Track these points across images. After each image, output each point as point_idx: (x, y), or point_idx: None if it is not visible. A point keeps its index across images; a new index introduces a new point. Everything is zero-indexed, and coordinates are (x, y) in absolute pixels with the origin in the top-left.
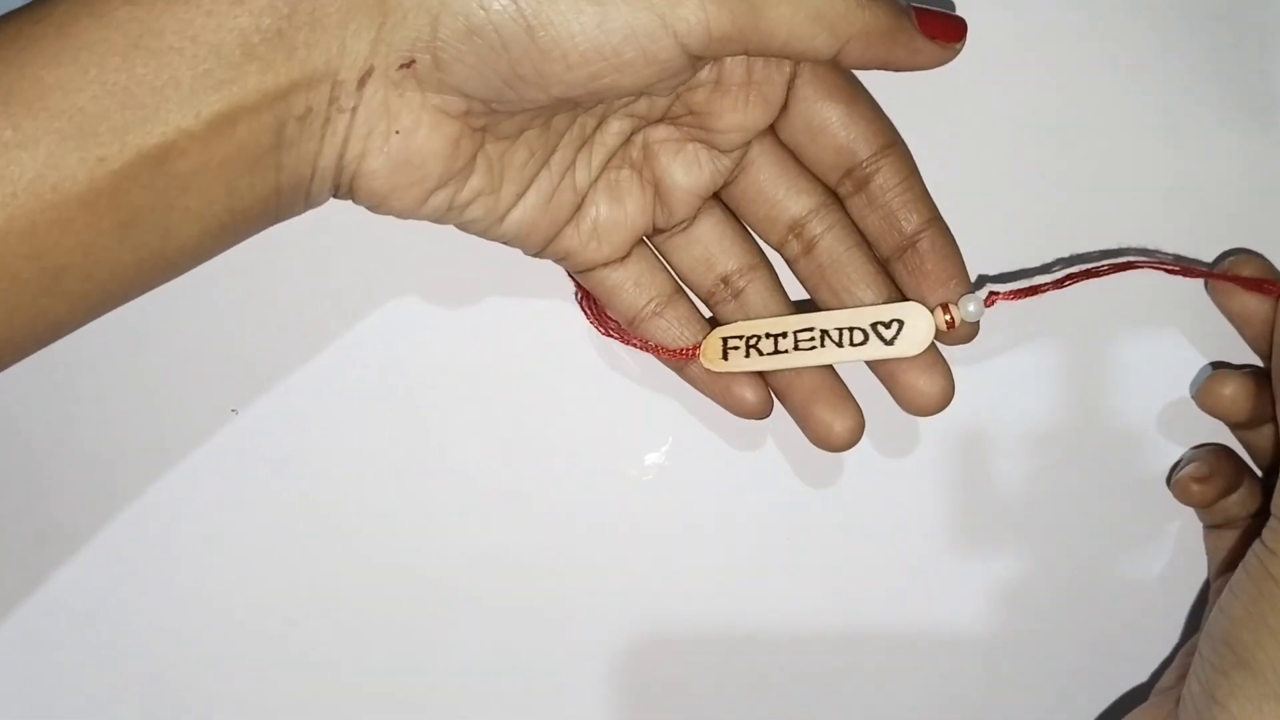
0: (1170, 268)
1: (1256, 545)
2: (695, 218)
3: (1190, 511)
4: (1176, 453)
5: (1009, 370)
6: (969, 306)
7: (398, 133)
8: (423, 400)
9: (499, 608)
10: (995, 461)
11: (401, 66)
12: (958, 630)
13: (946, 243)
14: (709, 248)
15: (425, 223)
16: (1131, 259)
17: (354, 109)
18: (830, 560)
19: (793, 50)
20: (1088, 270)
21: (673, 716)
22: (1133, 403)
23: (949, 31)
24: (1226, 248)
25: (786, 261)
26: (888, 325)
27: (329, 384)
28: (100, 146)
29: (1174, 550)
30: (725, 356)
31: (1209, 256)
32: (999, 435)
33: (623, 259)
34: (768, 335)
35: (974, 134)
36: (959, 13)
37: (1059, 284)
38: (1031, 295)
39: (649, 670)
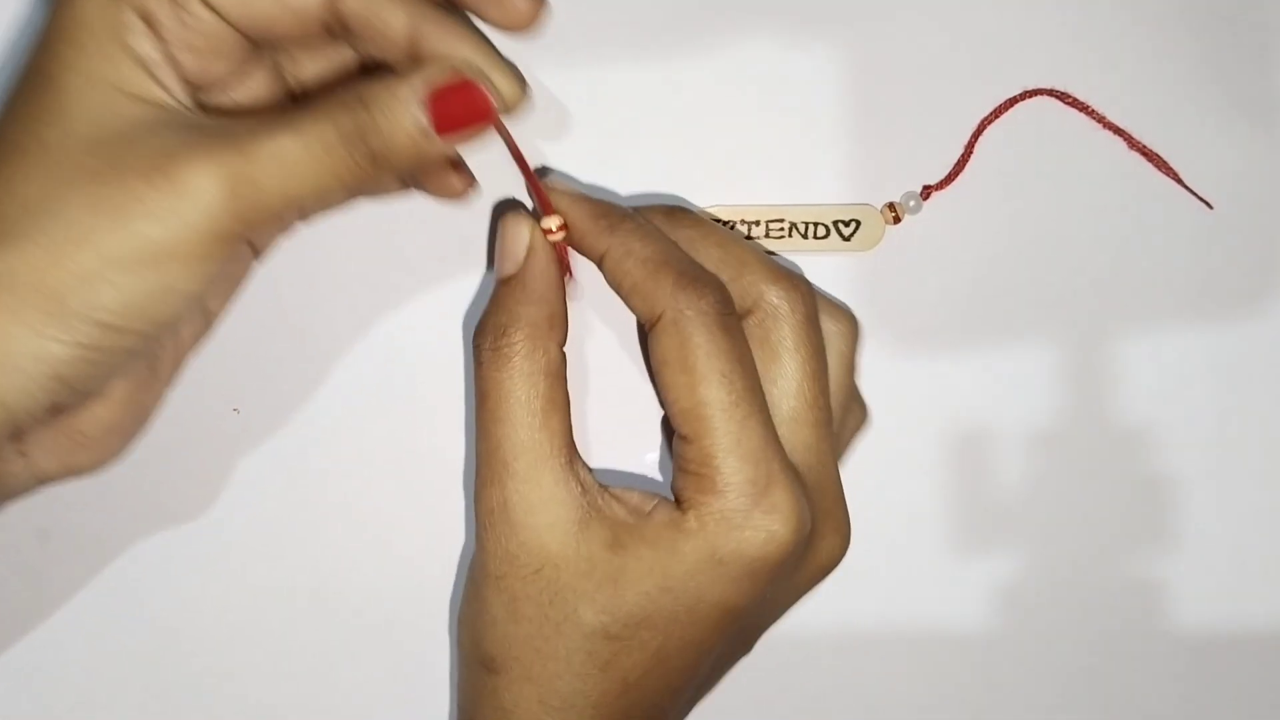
0: (1063, 97)
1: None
2: None
3: (1190, 511)
4: (1176, 453)
5: (1009, 370)
6: (909, 203)
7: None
8: (426, 399)
9: None
10: (995, 461)
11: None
12: (958, 630)
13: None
14: None
15: (431, 225)
16: (1030, 89)
17: (24, 453)
18: None
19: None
20: (983, 120)
21: None
22: (1133, 403)
23: (466, 114)
24: (1227, 248)
25: None
26: (847, 224)
27: (331, 383)
28: None
29: (1174, 550)
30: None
31: (1209, 257)
32: (999, 435)
33: None
34: (743, 221)
35: (991, 143)
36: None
37: (970, 148)
38: (957, 174)
39: None
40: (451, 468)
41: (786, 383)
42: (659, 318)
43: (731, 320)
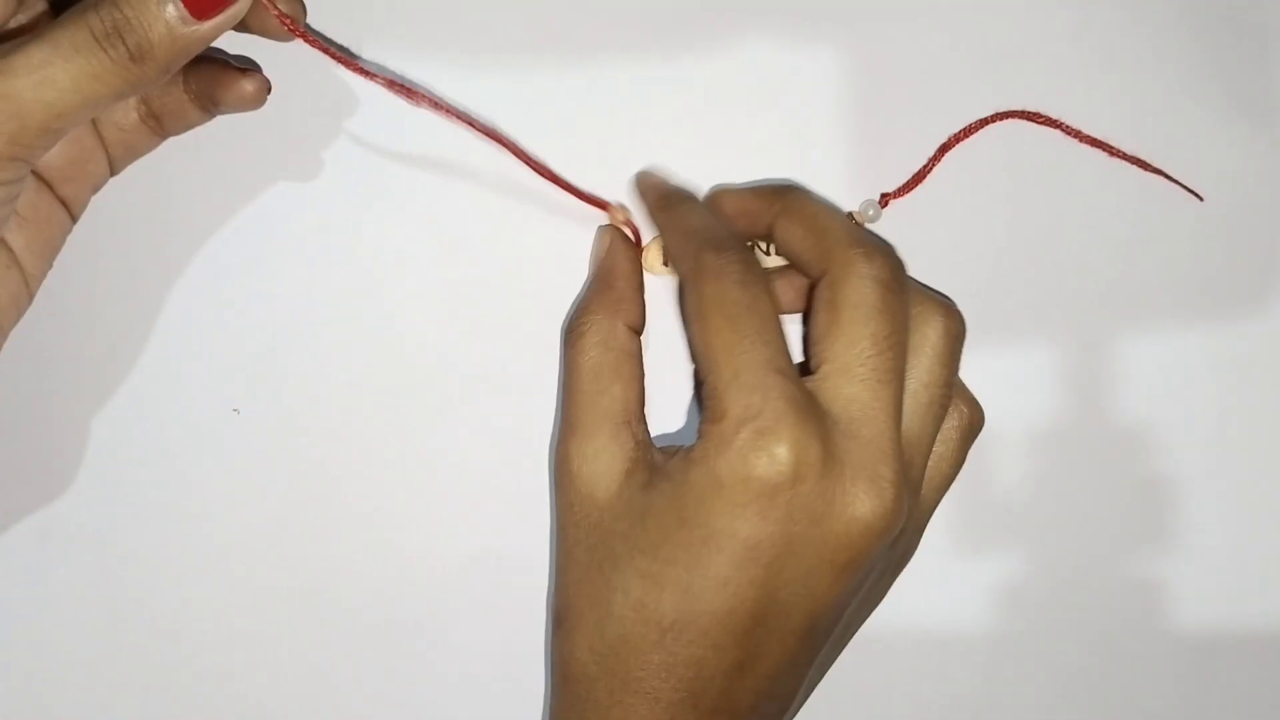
0: (1034, 117)
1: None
2: None
3: (1190, 511)
4: (1176, 452)
5: (1009, 370)
6: (868, 211)
7: None
8: (427, 400)
9: (500, 605)
10: (995, 461)
11: None
12: (958, 630)
13: None
14: None
15: (432, 229)
16: (999, 111)
17: None
18: None
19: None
20: (954, 137)
21: None
22: (1133, 403)
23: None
24: (1227, 248)
25: None
26: None
27: (331, 384)
28: None
29: (1174, 550)
30: (666, 263)
31: (1209, 257)
32: (999, 435)
33: None
34: None
35: (976, 144)
36: (965, 27)
37: (935, 160)
38: (918, 184)
39: None
40: (453, 466)
41: (843, 338)
42: (681, 281)
43: (750, 277)
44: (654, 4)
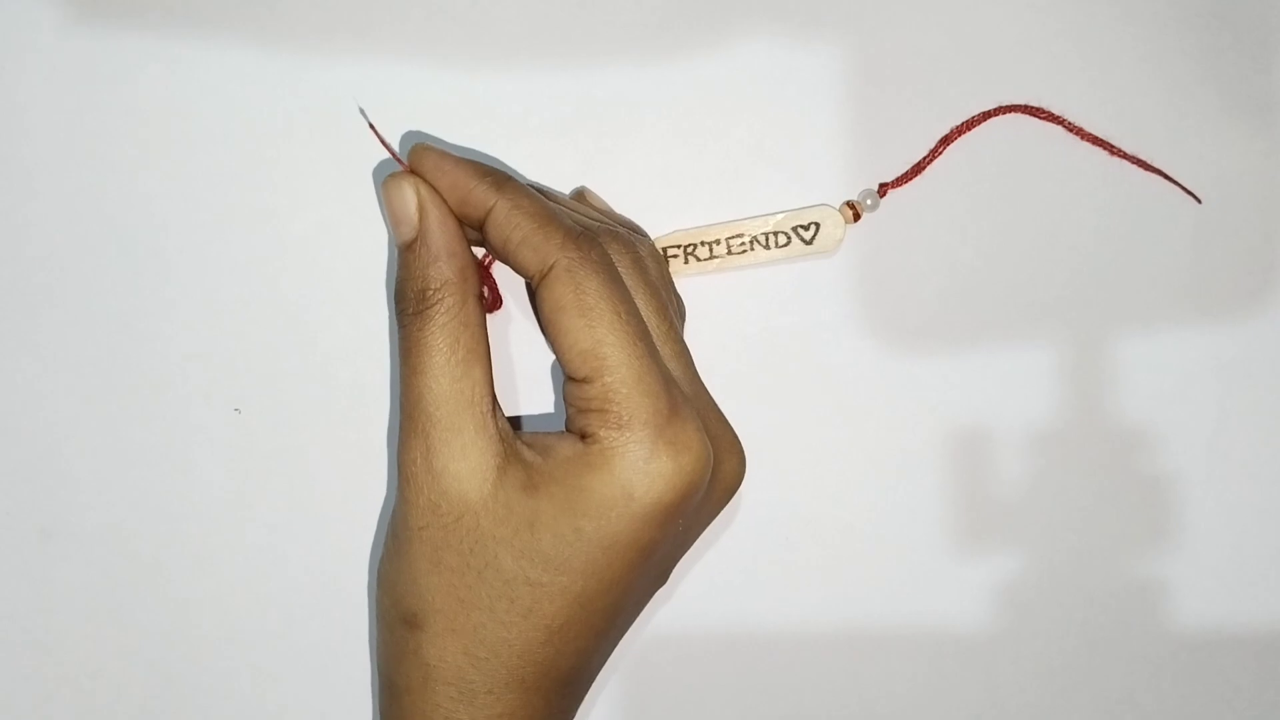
0: (1037, 112)
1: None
2: None
3: (1189, 513)
4: (1176, 452)
5: (1009, 370)
6: (866, 201)
7: None
8: None
9: None
10: (995, 461)
11: None
12: (958, 630)
13: None
14: None
15: None
16: (1002, 105)
17: None
18: (830, 560)
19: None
20: (956, 129)
21: (672, 716)
22: (1133, 403)
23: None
24: (1227, 247)
25: None
26: (806, 228)
27: (331, 384)
28: None
29: (1174, 550)
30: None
31: (1210, 255)
32: (999, 435)
33: None
34: (703, 243)
35: (978, 138)
36: (969, 22)
37: (935, 153)
38: (916, 174)
39: (648, 669)
40: None
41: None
42: (551, 267)
43: (615, 270)
44: (590, 24)
